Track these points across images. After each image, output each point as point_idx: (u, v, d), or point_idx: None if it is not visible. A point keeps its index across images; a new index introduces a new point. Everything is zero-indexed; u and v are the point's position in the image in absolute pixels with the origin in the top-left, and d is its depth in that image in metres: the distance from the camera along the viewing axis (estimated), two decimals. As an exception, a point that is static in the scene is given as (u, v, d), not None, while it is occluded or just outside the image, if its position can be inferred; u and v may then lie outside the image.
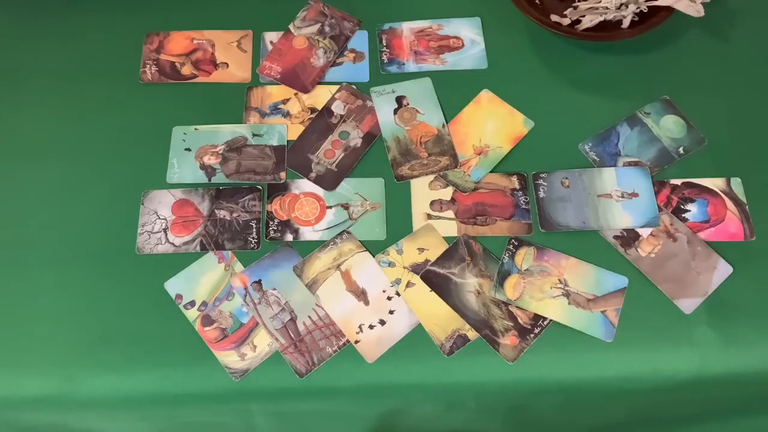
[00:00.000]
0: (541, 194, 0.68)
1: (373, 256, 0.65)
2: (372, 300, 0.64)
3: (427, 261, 0.65)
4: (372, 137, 0.71)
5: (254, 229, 0.67)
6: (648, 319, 0.62)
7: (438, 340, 0.62)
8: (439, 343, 0.62)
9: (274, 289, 0.64)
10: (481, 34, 0.77)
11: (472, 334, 0.62)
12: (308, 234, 0.67)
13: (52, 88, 0.75)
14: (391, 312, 0.63)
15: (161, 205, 0.68)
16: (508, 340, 0.62)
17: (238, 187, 0.69)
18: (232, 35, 0.78)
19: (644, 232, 0.66)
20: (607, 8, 0.74)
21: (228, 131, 0.72)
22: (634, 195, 0.67)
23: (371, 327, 0.62)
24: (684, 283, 0.63)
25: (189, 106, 0.73)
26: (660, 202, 0.67)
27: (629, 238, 0.66)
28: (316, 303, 0.64)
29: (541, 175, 0.69)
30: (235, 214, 0.68)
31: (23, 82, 0.75)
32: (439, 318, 0.63)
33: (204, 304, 0.64)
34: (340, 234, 0.66)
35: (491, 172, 0.69)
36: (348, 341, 0.62)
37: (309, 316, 0.63)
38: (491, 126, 0.72)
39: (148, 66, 0.76)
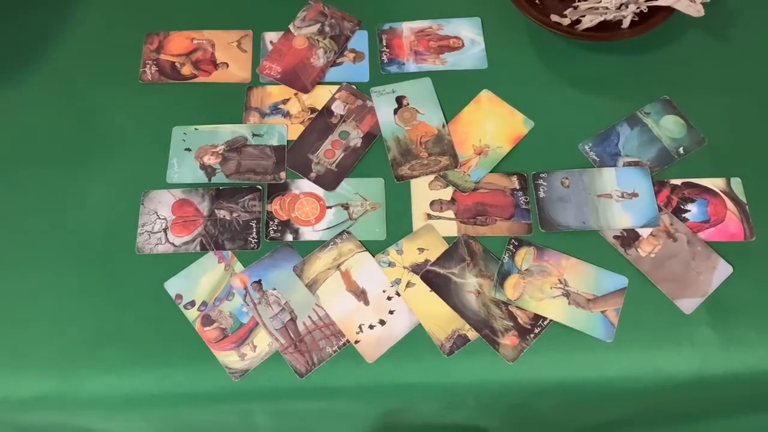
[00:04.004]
0: (541, 194, 0.68)
1: (373, 256, 0.65)
2: (372, 300, 0.64)
3: (427, 261, 0.65)
4: (372, 137, 0.71)
5: (254, 229, 0.67)
6: (648, 319, 0.62)
7: (438, 340, 0.62)
8: (439, 343, 0.62)
9: (274, 289, 0.64)
10: (481, 34, 0.77)
11: (472, 334, 0.62)
12: (308, 234, 0.67)
13: (51, 88, 0.75)
14: (391, 312, 0.63)
15: (161, 205, 0.68)
16: (508, 340, 0.62)
17: (238, 187, 0.69)
18: (232, 35, 0.78)
19: (644, 232, 0.66)
20: (607, 8, 0.74)
21: (228, 131, 0.72)
22: (634, 195, 0.67)
23: (371, 327, 0.62)
24: (684, 283, 0.63)
25: (189, 106, 0.73)
26: (660, 202, 0.67)
27: (629, 238, 0.66)
28: (316, 303, 0.64)
29: (541, 175, 0.69)
30: (235, 214, 0.68)
31: (23, 81, 0.75)
32: (439, 318, 0.63)
33: (204, 304, 0.64)
34: (340, 234, 0.66)
35: (491, 172, 0.69)
36: (348, 341, 0.62)
37: (309, 316, 0.63)
38: (491, 126, 0.72)
39: (148, 66, 0.76)
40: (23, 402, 0.61)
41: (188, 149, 0.71)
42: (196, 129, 0.72)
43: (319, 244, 0.66)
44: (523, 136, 0.71)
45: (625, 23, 0.74)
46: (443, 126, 0.71)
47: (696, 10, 0.72)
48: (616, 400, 0.64)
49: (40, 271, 0.65)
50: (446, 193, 0.68)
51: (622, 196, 0.67)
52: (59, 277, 0.65)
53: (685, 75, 0.74)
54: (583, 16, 0.75)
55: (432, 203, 0.68)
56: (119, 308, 0.63)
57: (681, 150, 0.70)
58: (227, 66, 0.76)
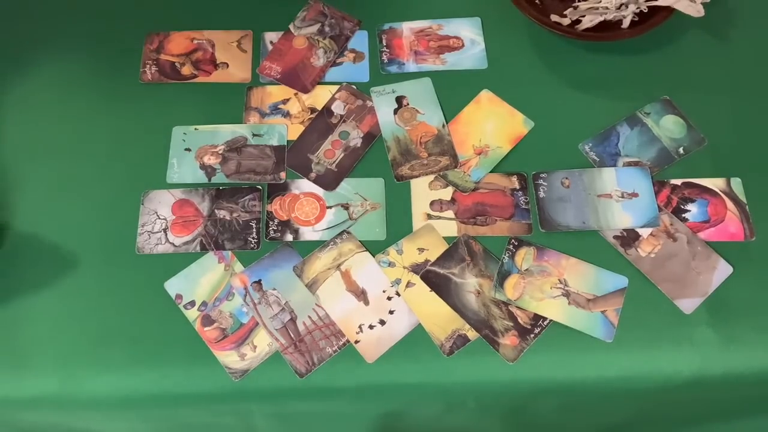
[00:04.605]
0: (541, 194, 0.68)
1: (373, 256, 0.65)
2: (372, 300, 0.64)
3: (427, 261, 0.65)
4: (372, 137, 0.71)
5: (254, 229, 0.67)
6: (648, 319, 0.62)
7: (438, 340, 0.62)
8: (439, 343, 0.62)
9: (274, 289, 0.64)
10: (481, 34, 0.77)
11: (472, 334, 0.62)
12: (308, 234, 0.67)
13: (52, 88, 0.75)
14: (391, 312, 0.63)
15: (161, 205, 0.68)
16: (508, 340, 0.62)
17: (238, 187, 0.69)
18: (232, 35, 0.78)
19: (644, 232, 0.66)
20: (607, 8, 0.74)
21: (228, 131, 0.72)
22: (634, 195, 0.67)
23: (371, 327, 0.62)
24: (684, 283, 0.63)
25: (189, 106, 0.73)
26: (660, 202, 0.67)
27: (629, 238, 0.66)
28: (316, 303, 0.64)
29: (541, 175, 0.69)
30: (235, 214, 0.68)
31: (23, 82, 0.75)
32: (439, 318, 0.63)
33: (204, 304, 0.64)
34: (340, 234, 0.66)
35: (491, 172, 0.69)
36: (348, 341, 0.62)
37: (309, 316, 0.63)
38: (491, 126, 0.72)
39: (148, 66, 0.76)
40: (23, 402, 0.61)
41: (188, 149, 0.71)
42: (196, 129, 0.72)
43: (319, 244, 0.66)
44: (523, 136, 0.71)
45: (625, 23, 0.74)
46: (443, 126, 0.71)
47: (696, 10, 0.72)
48: (616, 401, 0.64)
49: (39, 271, 0.65)
50: (446, 193, 0.68)
51: (622, 196, 0.67)
52: (59, 277, 0.65)
53: (685, 75, 0.74)
54: (583, 16, 0.75)
55: (432, 203, 0.68)
56: (119, 308, 0.63)
57: (681, 150, 0.70)
58: (227, 66, 0.76)
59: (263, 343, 0.62)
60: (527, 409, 0.66)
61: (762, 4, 0.78)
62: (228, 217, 0.67)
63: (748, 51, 0.76)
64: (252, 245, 0.66)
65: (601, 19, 0.74)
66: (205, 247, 0.66)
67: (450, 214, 0.67)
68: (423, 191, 0.68)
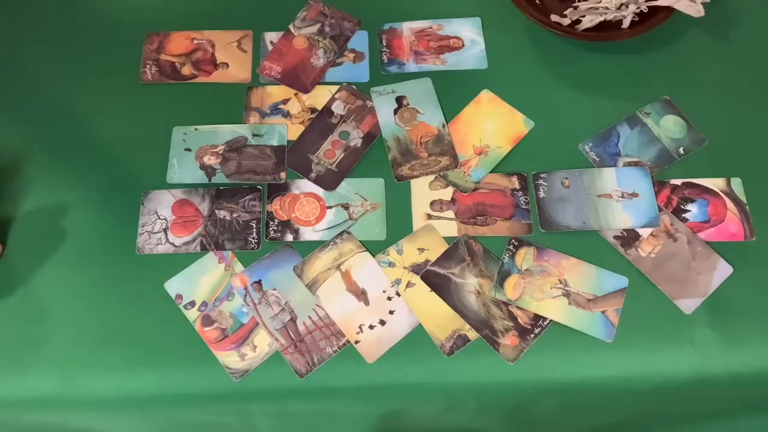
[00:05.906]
0: (541, 194, 0.68)
1: (373, 256, 0.65)
2: (372, 300, 0.64)
3: (427, 261, 0.65)
4: (372, 137, 0.71)
5: (254, 230, 0.67)
6: (648, 320, 0.62)
7: (438, 340, 0.62)
8: (439, 343, 0.62)
9: (275, 289, 0.64)
10: (481, 34, 0.77)
11: (472, 334, 0.62)
12: (308, 234, 0.67)
13: (52, 88, 0.75)
14: (391, 312, 0.63)
15: (161, 205, 0.68)
16: (508, 340, 0.62)
17: (238, 188, 0.69)
18: (232, 35, 0.78)
19: (644, 232, 0.66)
20: (607, 8, 0.74)
21: (228, 131, 0.72)
22: (635, 195, 0.67)
23: (371, 327, 0.62)
24: (684, 283, 0.63)
25: (189, 106, 0.73)
26: (660, 202, 0.67)
27: (629, 238, 0.66)
28: (316, 303, 0.64)
29: (541, 175, 0.69)
30: (235, 215, 0.68)
31: (23, 82, 0.75)
32: (439, 318, 0.63)
33: (204, 304, 0.64)
34: (341, 234, 0.66)
35: (491, 172, 0.69)
36: (348, 341, 0.62)
37: (309, 317, 0.63)
38: (491, 126, 0.72)
39: (148, 66, 0.76)
40: (23, 402, 0.61)
41: (188, 149, 0.71)
42: (196, 129, 0.72)
43: (320, 244, 0.66)
44: (523, 136, 0.71)
45: (625, 23, 0.74)
46: (443, 126, 0.71)
47: (696, 10, 0.72)
48: (616, 401, 0.64)
49: (40, 272, 0.65)
50: (446, 193, 0.68)
51: (623, 196, 0.67)
52: (59, 277, 0.65)
53: (685, 75, 0.74)
54: (583, 16, 0.75)
55: (432, 203, 0.68)
56: (119, 308, 0.63)
57: (681, 150, 0.70)
58: (227, 66, 0.76)
59: (263, 343, 0.62)
60: (527, 409, 0.66)
61: (762, 4, 0.78)
62: (228, 218, 0.67)
63: (748, 51, 0.76)
64: (252, 245, 0.66)
65: (601, 19, 0.74)
66: (205, 247, 0.66)
67: (450, 214, 0.67)
68: (423, 191, 0.68)
